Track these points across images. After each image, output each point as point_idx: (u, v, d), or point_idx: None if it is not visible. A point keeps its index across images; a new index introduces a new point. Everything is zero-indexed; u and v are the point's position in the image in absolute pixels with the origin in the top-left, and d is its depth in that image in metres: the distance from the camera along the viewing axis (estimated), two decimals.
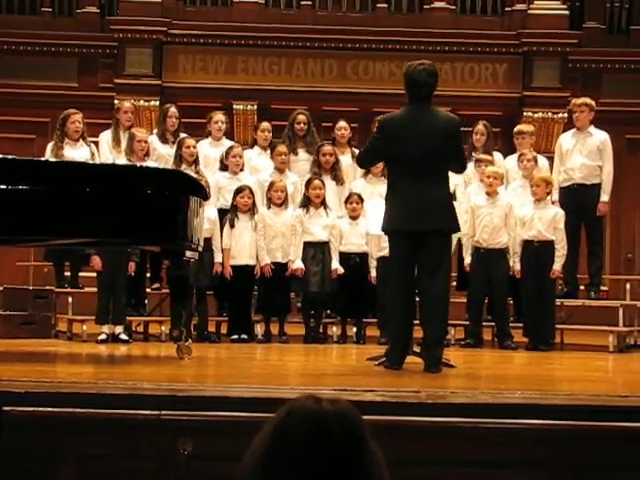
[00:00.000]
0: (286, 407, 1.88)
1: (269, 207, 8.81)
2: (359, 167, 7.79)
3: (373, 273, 8.70)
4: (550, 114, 12.64)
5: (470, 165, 9.29)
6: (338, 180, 9.23)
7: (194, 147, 8.93)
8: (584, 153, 9.23)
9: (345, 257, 8.80)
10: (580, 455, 4.37)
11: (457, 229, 6.77)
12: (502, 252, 8.65)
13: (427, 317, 6.47)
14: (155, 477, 4.27)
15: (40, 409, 4.31)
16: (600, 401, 4.76)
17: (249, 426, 1.89)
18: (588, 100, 9.45)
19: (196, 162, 8.86)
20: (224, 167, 9.14)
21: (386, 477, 1.89)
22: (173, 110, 9.58)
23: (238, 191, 8.72)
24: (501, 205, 8.71)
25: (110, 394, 4.56)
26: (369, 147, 6.78)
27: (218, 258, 8.64)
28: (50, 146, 9.17)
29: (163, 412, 4.31)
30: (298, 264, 8.67)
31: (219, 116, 9.64)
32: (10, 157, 6.43)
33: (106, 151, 9.44)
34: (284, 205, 8.81)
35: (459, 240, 8.77)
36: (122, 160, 8.70)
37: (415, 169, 6.30)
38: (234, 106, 12.64)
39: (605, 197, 9.25)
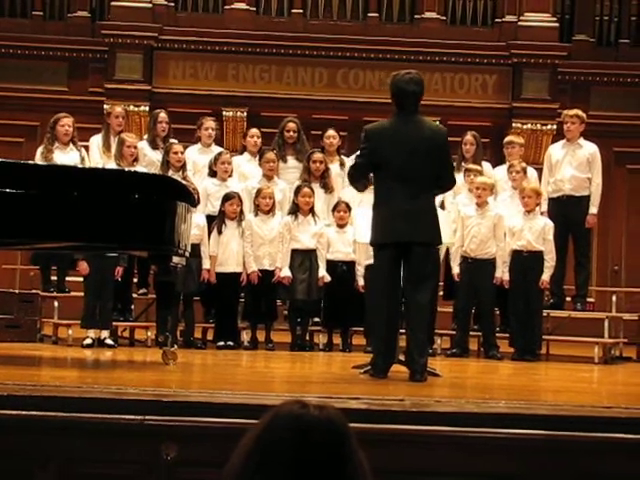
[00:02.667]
0: (273, 411, 1.88)
1: (256, 214, 8.81)
2: (352, 184, 7.69)
3: (360, 281, 8.70)
4: (539, 125, 12.67)
5: (459, 175, 9.31)
6: (327, 188, 9.23)
7: (182, 153, 8.93)
8: (574, 165, 9.26)
9: (332, 265, 8.80)
10: (564, 465, 4.37)
11: (439, 242, 6.77)
12: (490, 262, 8.66)
13: (412, 326, 6.47)
14: None
15: (23, 412, 4.29)
16: (584, 412, 4.76)
17: (233, 432, 1.89)
18: (580, 112, 9.49)
19: (183, 168, 8.86)
20: (213, 173, 9.14)
21: None
22: (163, 115, 9.58)
23: (227, 198, 8.71)
24: (490, 216, 8.72)
25: (94, 398, 4.55)
26: (357, 162, 6.76)
27: (206, 265, 8.63)
28: (40, 150, 9.16)
29: (147, 417, 4.29)
30: (285, 272, 8.67)
31: (210, 122, 9.64)
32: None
33: (96, 155, 9.44)
34: (272, 212, 8.80)
35: (447, 249, 8.78)
36: (112, 165, 8.70)
37: (400, 179, 6.30)
38: (224, 113, 12.63)
39: (594, 209, 9.29)
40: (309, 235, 8.78)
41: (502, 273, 8.63)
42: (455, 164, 9.41)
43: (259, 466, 1.79)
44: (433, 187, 6.57)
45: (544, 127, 12.67)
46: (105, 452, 4.26)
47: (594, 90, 13.28)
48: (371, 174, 6.71)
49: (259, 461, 1.79)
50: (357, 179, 6.99)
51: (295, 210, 8.81)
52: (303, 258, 8.73)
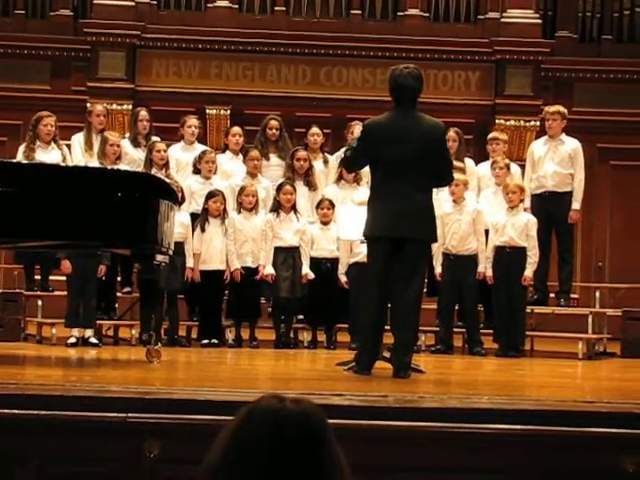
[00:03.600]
0: (249, 405, 1.87)
1: (239, 212, 8.80)
2: (346, 171, 7.70)
3: (343, 278, 8.70)
4: (522, 122, 12.68)
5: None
6: (311, 186, 9.24)
7: (164, 151, 8.93)
8: (556, 161, 9.27)
9: (316, 262, 8.80)
10: (547, 460, 4.39)
11: (435, 239, 6.77)
12: (471, 258, 8.67)
13: (398, 323, 6.47)
14: (120, 479, 4.25)
15: (5, 411, 4.28)
16: (567, 407, 4.78)
17: (217, 429, 1.87)
18: (561, 108, 9.51)
19: (166, 166, 8.86)
20: (197, 171, 9.13)
21: (349, 478, 1.88)
22: (144, 114, 9.57)
23: (210, 196, 8.71)
24: (468, 211, 8.74)
25: (76, 396, 4.54)
26: (354, 152, 6.74)
27: (190, 263, 8.62)
28: (22, 148, 9.13)
29: (130, 415, 4.29)
30: (269, 269, 8.67)
31: (193, 120, 9.64)
32: None
33: (78, 154, 9.41)
34: (255, 210, 8.80)
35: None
36: (94, 163, 8.70)
37: (397, 174, 6.27)
38: (207, 111, 12.60)
39: (577, 205, 9.31)
40: (291, 232, 8.78)
41: (485, 268, 8.65)
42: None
43: (236, 461, 1.78)
44: (430, 183, 6.53)
45: (527, 124, 12.68)
46: (88, 450, 4.25)
47: (577, 86, 13.30)
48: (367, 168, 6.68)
49: (236, 455, 1.79)
50: (350, 167, 7.02)
51: (277, 207, 8.81)
52: (286, 256, 8.73)
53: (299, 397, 1.93)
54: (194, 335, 8.89)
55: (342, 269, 8.74)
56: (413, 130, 6.38)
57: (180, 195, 8.09)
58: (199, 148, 9.46)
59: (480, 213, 8.73)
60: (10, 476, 4.20)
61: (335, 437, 1.88)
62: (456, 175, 8.74)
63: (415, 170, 6.30)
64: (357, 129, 8.55)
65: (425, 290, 8.96)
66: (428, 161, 6.35)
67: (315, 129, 9.68)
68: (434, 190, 8.94)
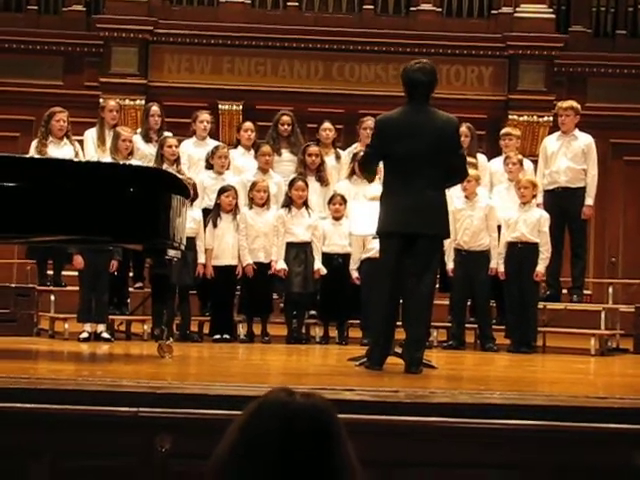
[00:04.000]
0: (259, 399, 1.87)
1: (251, 207, 8.80)
2: (363, 174, 7.67)
3: (355, 274, 8.70)
4: (535, 117, 12.66)
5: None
6: (323, 181, 9.23)
7: (176, 146, 8.94)
8: (569, 156, 9.24)
9: (328, 258, 8.80)
10: (559, 456, 4.37)
11: (447, 235, 6.74)
12: (484, 254, 8.66)
13: (410, 319, 6.46)
14: (132, 474, 4.25)
15: (17, 405, 4.29)
16: (579, 402, 4.76)
17: (228, 424, 1.87)
18: (574, 103, 9.47)
19: (177, 161, 8.87)
20: (209, 166, 9.13)
21: (358, 473, 1.87)
22: (155, 109, 9.58)
23: (223, 190, 8.71)
24: (480, 207, 8.72)
25: (88, 391, 4.55)
26: (368, 151, 6.71)
27: (201, 259, 8.62)
28: (34, 144, 9.16)
29: (141, 409, 4.29)
30: (281, 265, 8.67)
31: (205, 116, 9.64)
32: None
33: (91, 149, 9.43)
34: (266, 205, 8.80)
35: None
36: (107, 159, 8.71)
37: (410, 169, 6.23)
38: (219, 106, 12.61)
39: (590, 201, 9.27)
40: (303, 228, 8.77)
41: (497, 264, 8.63)
42: None
43: (245, 454, 1.78)
44: (443, 179, 6.44)
45: (540, 119, 12.66)
46: (100, 444, 4.26)
47: (591, 82, 13.26)
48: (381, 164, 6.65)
49: (245, 449, 1.79)
50: (367, 169, 6.99)
51: (289, 203, 8.81)
52: (298, 251, 8.73)
53: (308, 391, 1.93)
54: (206, 330, 8.89)
55: (354, 265, 8.73)
56: (425, 125, 6.34)
57: (192, 191, 8.10)
58: (211, 143, 9.46)
59: (493, 209, 8.71)
60: (23, 470, 4.21)
61: (346, 432, 1.87)
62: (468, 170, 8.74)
63: (428, 165, 6.26)
64: (370, 124, 8.54)
65: (437, 286, 8.97)
66: (441, 156, 6.30)
67: (327, 124, 9.67)
68: None
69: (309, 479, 1.78)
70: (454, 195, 8.83)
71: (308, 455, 1.78)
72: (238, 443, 1.80)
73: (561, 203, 9.18)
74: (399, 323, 6.69)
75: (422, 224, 6.24)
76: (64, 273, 9.21)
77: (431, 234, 6.35)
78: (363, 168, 7.09)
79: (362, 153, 6.80)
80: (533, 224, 8.58)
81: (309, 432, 1.79)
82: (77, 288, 8.42)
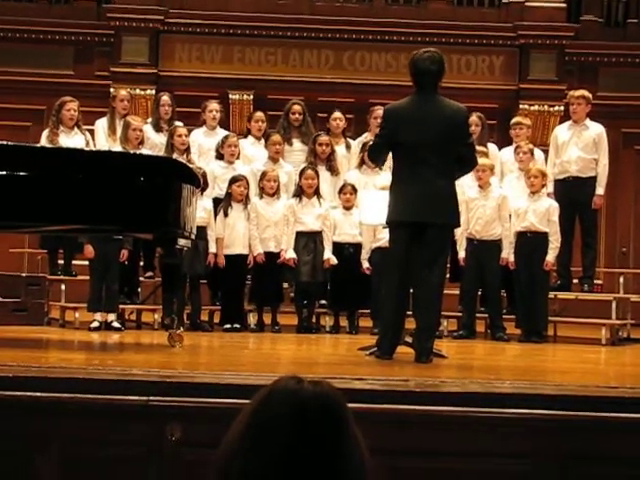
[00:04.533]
0: (268, 387, 1.87)
1: (261, 197, 8.80)
2: (372, 163, 7.69)
3: (366, 264, 8.69)
4: (546, 107, 12.63)
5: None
6: (333, 170, 9.22)
7: (186, 136, 8.94)
8: (580, 146, 9.21)
9: (339, 247, 8.79)
10: (569, 445, 4.37)
11: (458, 224, 6.72)
12: (495, 244, 8.64)
13: (420, 308, 6.45)
14: (143, 463, 4.26)
15: (28, 394, 4.30)
16: (589, 392, 4.75)
17: (238, 413, 1.87)
18: (585, 93, 9.44)
19: (187, 151, 8.88)
20: (219, 156, 9.13)
21: (367, 460, 1.87)
22: (165, 98, 9.59)
23: (234, 180, 8.71)
24: (493, 197, 8.70)
25: (98, 379, 4.55)
26: (376, 140, 6.70)
27: (212, 248, 8.63)
28: (45, 133, 9.18)
29: (151, 398, 4.30)
30: (290, 254, 8.67)
31: (214, 105, 9.64)
32: (4, 143, 6.40)
33: (102, 138, 9.45)
34: (276, 195, 8.80)
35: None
36: (117, 148, 8.72)
37: (419, 158, 6.21)
38: (230, 96, 12.62)
39: (600, 190, 9.24)
40: (313, 217, 8.77)
41: (508, 254, 8.61)
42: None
43: (254, 442, 1.78)
44: (452, 168, 6.40)
45: (551, 108, 12.63)
46: (110, 433, 4.26)
47: (602, 71, 13.22)
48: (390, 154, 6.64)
49: (254, 437, 1.79)
50: (376, 158, 7.01)
51: (299, 192, 8.81)
52: (307, 240, 8.73)
53: (317, 379, 1.92)
54: (216, 320, 8.91)
55: (365, 254, 8.73)
56: (434, 114, 6.32)
57: (202, 180, 8.11)
58: (221, 133, 9.46)
59: (505, 199, 8.69)
60: (33, 458, 4.23)
61: (355, 420, 1.87)
62: (482, 160, 8.71)
63: (437, 154, 6.23)
64: (380, 113, 8.52)
65: (448, 275, 8.96)
66: (450, 146, 6.28)
67: (337, 114, 9.67)
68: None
69: (318, 467, 1.77)
70: (467, 185, 8.83)
71: (317, 443, 1.78)
72: (247, 431, 1.80)
73: (572, 193, 9.16)
74: (409, 313, 6.70)
75: (431, 213, 6.23)
76: (75, 262, 9.23)
77: (440, 223, 6.33)
78: (371, 157, 7.09)
79: (371, 142, 6.77)
80: (542, 214, 8.56)
81: (318, 420, 1.79)
82: (88, 277, 8.43)
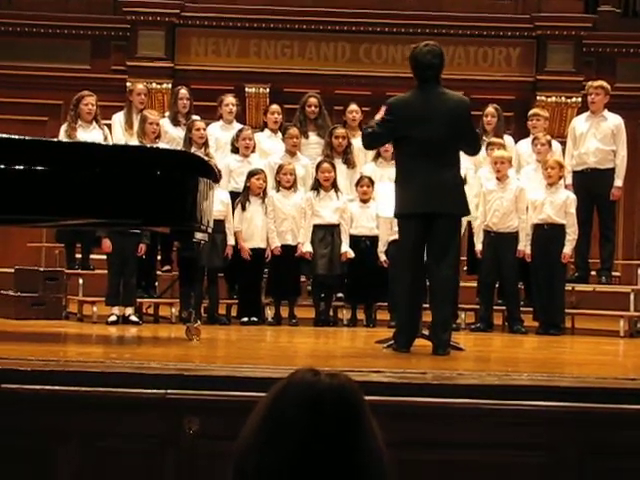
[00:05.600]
0: (285, 380, 1.87)
1: (278, 190, 8.80)
2: (365, 148, 7.77)
3: (383, 257, 8.68)
4: (563, 98, 12.57)
5: (482, 149, 9.27)
6: (350, 163, 9.22)
7: (204, 129, 8.94)
8: (598, 137, 9.17)
9: (356, 240, 8.79)
10: (587, 437, 4.36)
11: (467, 213, 6.72)
12: (512, 236, 8.61)
13: (435, 300, 6.46)
14: (160, 455, 4.27)
15: (46, 387, 4.32)
16: (608, 384, 4.74)
17: (255, 406, 1.87)
18: (604, 83, 9.39)
19: (206, 144, 8.88)
20: (235, 150, 9.14)
21: (384, 453, 1.87)
22: (184, 92, 9.59)
23: (253, 173, 8.71)
24: (511, 189, 8.67)
25: (116, 372, 4.57)
26: (377, 129, 6.72)
27: (230, 241, 8.64)
28: (64, 128, 9.21)
29: (169, 391, 4.31)
30: (307, 247, 8.67)
31: (230, 99, 9.64)
32: (23, 137, 6.43)
33: (118, 133, 9.47)
34: (293, 188, 8.80)
35: (469, 223, 8.73)
36: (134, 142, 8.74)
37: (424, 151, 6.26)
38: (246, 89, 12.61)
39: (619, 182, 9.21)
40: (331, 210, 8.77)
41: (524, 246, 8.59)
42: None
43: (271, 435, 1.78)
44: (458, 159, 6.51)
45: (569, 100, 12.57)
46: (127, 426, 4.29)
47: (620, 62, 13.14)
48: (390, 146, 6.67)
49: (271, 430, 1.79)
50: (371, 145, 7.11)
51: (317, 186, 8.81)
52: (325, 233, 8.73)
53: (334, 371, 1.92)
54: (234, 313, 8.92)
55: (382, 247, 8.72)
56: (439, 108, 6.36)
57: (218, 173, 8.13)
58: (238, 127, 9.46)
59: (523, 191, 8.66)
60: (52, 451, 4.25)
61: (373, 413, 1.87)
62: (500, 152, 8.73)
63: (442, 147, 6.29)
64: None
65: (465, 268, 8.97)
66: (455, 138, 6.35)
67: (354, 106, 9.66)
68: (473, 167, 9.00)
69: (335, 460, 1.77)
70: (485, 177, 8.83)
71: (333, 436, 1.78)
72: (263, 424, 1.80)
73: (590, 184, 9.12)
74: (426, 305, 6.70)
75: (439, 204, 6.27)
76: (92, 257, 9.26)
77: (449, 213, 6.36)
78: (367, 142, 7.05)
79: (369, 128, 6.78)
80: (559, 205, 8.53)
81: (335, 412, 1.79)
82: (105, 271, 8.46)
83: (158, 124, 8.88)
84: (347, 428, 1.80)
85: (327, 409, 1.79)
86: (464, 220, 7.67)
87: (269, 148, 9.44)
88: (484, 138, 9.24)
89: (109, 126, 9.47)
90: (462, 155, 6.73)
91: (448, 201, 6.31)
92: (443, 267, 6.34)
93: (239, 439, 1.84)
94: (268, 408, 1.82)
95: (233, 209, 8.72)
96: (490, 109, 9.40)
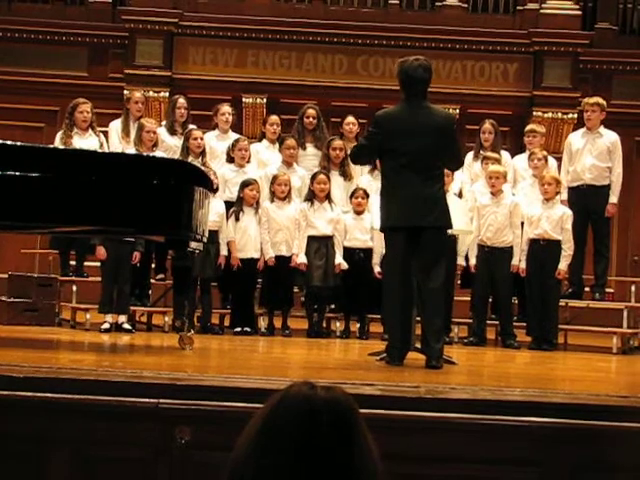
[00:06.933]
0: (281, 392, 1.87)
1: (272, 201, 8.80)
2: (352, 163, 7.84)
3: (377, 269, 8.68)
4: (560, 114, 12.60)
5: (477, 163, 9.29)
6: (346, 175, 9.22)
7: (201, 139, 8.94)
8: (594, 154, 9.19)
9: (349, 252, 8.79)
10: (579, 454, 4.35)
11: (450, 226, 6.74)
12: (506, 251, 8.62)
13: (426, 312, 6.46)
14: (152, 465, 4.26)
15: (37, 394, 4.30)
16: (600, 401, 4.74)
17: (247, 417, 1.87)
18: (600, 100, 9.41)
19: (203, 154, 8.87)
20: (231, 159, 9.14)
21: (379, 466, 1.87)
22: (182, 101, 9.59)
23: (246, 184, 8.71)
24: (505, 204, 8.68)
25: (109, 381, 4.56)
26: (365, 143, 6.75)
27: (223, 251, 8.64)
28: (59, 135, 9.18)
29: (161, 401, 4.30)
30: (301, 258, 8.67)
31: (225, 108, 9.64)
32: (18, 144, 6.42)
33: (115, 140, 9.46)
34: (288, 199, 8.80)
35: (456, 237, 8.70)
36: (131, 150, 8.73)
37: (411, 165, 6.29)
38: (243, 99, 12.63)
39: (614, 198, 9.22)
40: (325, 221, 8.77)
41: (519, 261, 8.60)
42: (473, 152, 9.42)
43: (266, 447, 1.78)
44: (442, 173, 6.59)
45: (565, 116, 12.60)
46: (119, 435, 4.27)
47: (616, 79, 13.18)
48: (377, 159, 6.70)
49: (266, 442, 1.79)
50: (357, 160, 7.19)
51: (311, 197, 8.82)
52: (319, 244, 8.73)
53: (330, 385, 1.92)
54: (227, 323, 8.91)
55: (377, 259, 8.72)
56: (425, 122, 6.40)
57: (216, 183, 8.14)
58: (233, 136, 9.46)
59: (517, 206, 8.68)
60: (44, 459, 4.23)
61: (366, 425, 1.87)
62: (495, 167, 8.74)
63: (428, 161, 6.35)
64: None
65: (459, 282, 8.97)
66: (440, 152, 6.40)
67: (351, 118, 9.67)
68: (469, 182, 9.03)
69: (331, 472, 1.77)
70: (479, 191, 8.84)
71: (330, 448, 1.78)
72: (260, 435, 1.80)
73: (585, 201, 9.14)
74: (418, 318, 6.70)
75: (425, 217, 6.30)
76: (86, 264, 9.24)
77: (435, 226, 6.38)
78: (354, 157, 7.12)
79: (355, 145, 6.82)
80: (556, 221, 8.54)
81: (331, 426, 1.79)
82: (99, 279, 8.45)
83: (155, 132, 8.87)
84: (342, 441, 1.80)
85: (323, 422, 1.79)
86: (457, 232, 7.70)
87: (267, 159, 9.44)
88: (480, 152, 9.27)
89: (105, 133, 9.46)
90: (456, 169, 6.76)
91: (434, 214, 6.35)
92: (432, 278, 6.35)
93: (235, 450, 1.84)
94: (264, 420, 1.82)
95: (227, 219, 8.71)
96: (487, 125, 9.41)
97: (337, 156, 9.16)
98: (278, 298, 8.75)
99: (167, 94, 12.30)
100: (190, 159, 8.60)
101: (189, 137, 8.94)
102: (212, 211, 7.48)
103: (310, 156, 9.51)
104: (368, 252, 8.79)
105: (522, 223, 8.70)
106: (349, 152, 7.12)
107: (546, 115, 12.61)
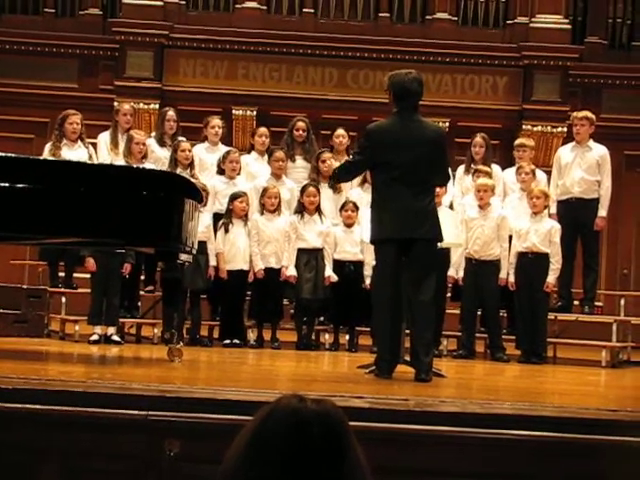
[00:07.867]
0: (270, 405, 1.87)
1: (262, 213, 8.80)
2: (337, 180, 7.85)
3: (367, 281, 8.68)
4: (549, 128, 12.63)
5: (468, 177, 9.30)
6: (336, 188, 9.22)
7: (189, 151, 8.95)
8: (583, 167, 9.21)
9: (339, 265, 8.79)
10: (568, 467, 4.35)
11: (440, 239, 6.75)
12: (494, 264, 8.62)
13: (416, 325, 6.47)
14: (140, 477, 4.25)
15: (27, 406, 4.29)
16: (589, 414, 4.74)
17: (237, 429, 1.87)
18: (589, 114, 9.44)
19: (191, 165, 8.89)
20: (221, 171, 9.14)
21: (368, 479, 1.87)
22: (171, 114, 9.59)
23: (235, 196, 8.71)
24: (493, 217, 8.69)
25: (98, 393, 4.55)
26: (357, 158, 6.76)
27: (212, 262, 8.63)
28: (48, 146, 9.16)
29: (150, 412, 4.29)
30: (291, 271, 8.67)
31: (216, 121, 9.64)
32: (6, 155, 6.41)
33: (104, 152, 9.44)
34: (277, 211, 8.80)
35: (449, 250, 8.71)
36: (120, 162, 8.71)
37: (402, 178, 6.31)
38: (234, 111, 12.64)
39: (603, 212, 9.24)
40: (315, 234, 8.78)
41: (507, 275, 8.60)
42: (464, 166, 9.44)
43: (255, 460, 1.78)
44: (433, 186, 6.63)
45: (554, 129, 12.63)
46: (108, 447, 4.26)
47: (606, 93, 13.24)
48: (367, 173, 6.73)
49: (255, 455, 1.78)
50: (348, 175, 7.14)
51: (301, 209, 8.82)
52: (309, 257, 8.74)
53: (320, 397, 1.92)
54: (216, 335, 8.89)
55: (368, 271, 8.71)
56: (416, 135, 6.44)
57: (205, 195, 8.14)
58: (223, 149, 9.46)
59: (505, 219, 8.69)
60: (32, 471, 4.22)
61: (355, 438, 1.87)
62: (484, 180, 8.75)
63: (419, 174, 6.38)
64: None
65: (449, 295, 8.97)
66: (430, 166, 6.43)
67: (340, 131, 9.68)
68: (460, 195, 9.05)
69: None
70: (468, 204, 8.85)
71: (319, 460, 1.77)
72: (249, 448, 1.80)
73: (574, 214, 9.15)
74: (408, 331, 6.70)
75: (415, 229, 6.32)
76: (76, 275, 9.22)
77: (426, 238, 6.39)
78: (344, 174, 7.11)
79: (348, 159, 6.83)
80: (544, 234, 8.56)
81: (321, 438, 1.79)
82: (88, 290, 8.43)
83: (145, 144, 8.86)
84: (332, 454, 1.80)
85: (313, 435, 1.79)
86: (449, 245, 7.72)
87: (256, 171, 9.44)
88: (472, 166, 9.29)
89: (94, 145, 9.45)
90: (449, 182, 6.78)
91: (425, 226, 6.37)
92: (423, 292, 6.37)
93: (224, 463, 1.83)
94: (253, 433, 1.82)
95: (216, 231, 8.71)
96: (478, 139, 9.41)
97: (327, 169, 9.17)
98: (267, 310, 8.74)
99: (157, 106, 12.29)
100: (178, 171, 8.61)
101: (177, 149, 8.94)
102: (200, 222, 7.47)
103: (299, 168, 9.51)
104: (358, 265, 8.79)
105: (510, 236, 8.72)
106: (335, 169, 7.10)
107: (535, 129, 12.64)
